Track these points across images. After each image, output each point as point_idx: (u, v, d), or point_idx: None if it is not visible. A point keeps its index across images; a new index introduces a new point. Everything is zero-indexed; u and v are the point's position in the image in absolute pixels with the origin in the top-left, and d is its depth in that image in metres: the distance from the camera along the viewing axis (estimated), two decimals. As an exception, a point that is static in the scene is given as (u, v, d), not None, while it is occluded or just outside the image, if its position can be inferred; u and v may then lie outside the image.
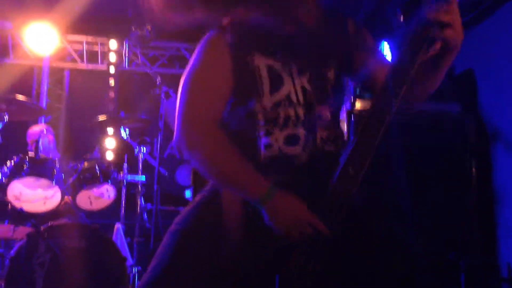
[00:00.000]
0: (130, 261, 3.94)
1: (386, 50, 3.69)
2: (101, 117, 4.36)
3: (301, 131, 1.69)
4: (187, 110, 1.66)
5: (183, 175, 5.04)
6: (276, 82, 1.68)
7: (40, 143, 4.39)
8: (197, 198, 1.77)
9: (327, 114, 1.72)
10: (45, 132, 4.40)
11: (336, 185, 1.57)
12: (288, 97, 1.68)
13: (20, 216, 3.64)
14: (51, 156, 3.87)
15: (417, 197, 3.12)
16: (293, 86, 1.70)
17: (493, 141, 3.39)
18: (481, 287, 3.08)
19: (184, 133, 1.64)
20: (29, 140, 4.51)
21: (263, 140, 1.68)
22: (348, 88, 2.10)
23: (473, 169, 3.24)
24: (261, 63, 1.69)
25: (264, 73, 1.68)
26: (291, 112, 1.69)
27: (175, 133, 1.66)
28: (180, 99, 1.68)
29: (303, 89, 1.70)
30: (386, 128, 1.54)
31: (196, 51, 1.72)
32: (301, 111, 1.69)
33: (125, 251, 4.01)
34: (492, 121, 3.41)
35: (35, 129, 4.59)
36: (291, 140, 1.68)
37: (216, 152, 1.63)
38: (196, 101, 1.67)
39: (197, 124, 1.64)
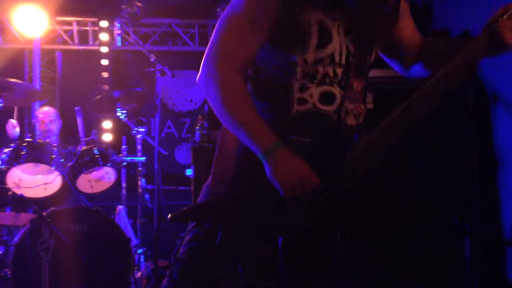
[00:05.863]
0: (134, 241, 3.95)
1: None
2: (96, 98, 4.29)
3: (337, 90, 1.68)
4: (215, 51, 1.63)
5: (183, 154, 5.01)
6: (324, 39, 1.65)
7: (37, 127, 4.35)
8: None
9: (358, 87, 1.70)
10: (54, 117, 4.36)
11: (351, 154, 1.60)
12: (332, 56, 1.66)
13: (21, 203, 3.62)
14: (48, 141, 3.83)
15: (418, 161, 3.11)
16: (340, 46, 1.67)
17: (493, 103, 3.36)
18: (485, 251, 3.09)
19: (207, 73, 1.63)
20: (39, 121, 4.35)
21: (297, 94, 1.66)
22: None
23: (474, 132, 3.22)
24: (313, 17, 1.63)
25: (314, 28, 1.63)
26: (330, 71, 1.66)
27: (200, 70, 1.65)
28: (213, 36, 1.65)
29: (348, 50, 1.68)
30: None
31: None
32: (339, 72, 1.68)
33: (129, 232, 4.01)
34: (492, 83, 3.37)
35: (44, 109, 4.46)
36: (327, 97, 1.67)
37: (234, 98, 1.61)
38: (227, 43, 1.63)
39: (222, 68, 1.61)
